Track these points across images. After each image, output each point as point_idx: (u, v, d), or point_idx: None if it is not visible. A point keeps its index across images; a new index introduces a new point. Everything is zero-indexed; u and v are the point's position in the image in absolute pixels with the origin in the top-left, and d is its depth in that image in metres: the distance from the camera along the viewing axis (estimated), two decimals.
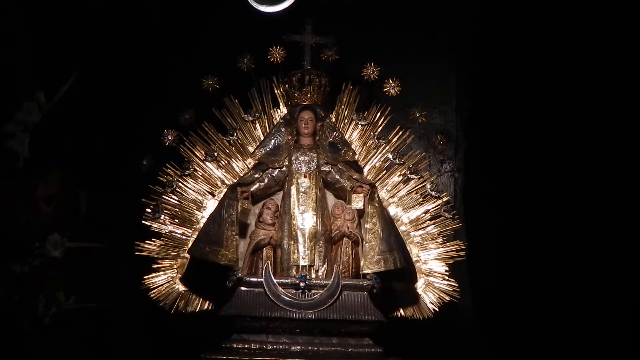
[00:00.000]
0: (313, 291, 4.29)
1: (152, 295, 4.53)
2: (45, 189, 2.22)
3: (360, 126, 4.75)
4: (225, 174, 4.68)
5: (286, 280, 4.31)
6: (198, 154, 4.66)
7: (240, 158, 4.70)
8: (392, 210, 4.65)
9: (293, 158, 4.55)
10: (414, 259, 4.58)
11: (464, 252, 4.63)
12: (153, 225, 4.58)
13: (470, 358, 4.95)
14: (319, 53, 4.68)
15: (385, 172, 4.72)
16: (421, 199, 4.68)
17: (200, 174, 4.66)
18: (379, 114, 4.72)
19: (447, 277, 4.62)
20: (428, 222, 4.68)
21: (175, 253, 4.59)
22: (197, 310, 4.57)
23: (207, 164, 4.66)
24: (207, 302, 4.57)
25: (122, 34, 4.76)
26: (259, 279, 4.30)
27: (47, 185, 2.24)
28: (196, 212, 4.64)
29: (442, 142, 4.73)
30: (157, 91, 4.79)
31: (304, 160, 4.56)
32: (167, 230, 4.60)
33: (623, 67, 4.91)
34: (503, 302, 4.94)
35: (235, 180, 4.60)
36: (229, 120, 4.70)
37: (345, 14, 5.22)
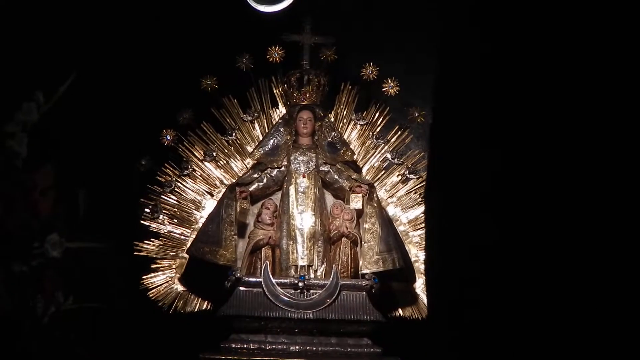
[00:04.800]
0: (312, 291, 4.29)
1: (150, 295, 4.53)
2: (41, 182, 2.22)
3: (359, 126, 4.75)
4: (224, 174, 4.68)
5: (285, 280, 4.31)
6: (197, 154, 4.66)
7: (239, 158, 4.70)
8: (391, 210, 4.65)
9: (292, 158, 4.55)
10: (413, 259, 4.58)
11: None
12: (152, 225, 4.58)
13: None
14: (317, 53, 4.68)
15: (384, 171, 4.72)
16: (420, 199, 4.68)
17: (199, 174, 4.66)
18: (377, 114, 4.73)
19: None
20: None
21: (174, 253, 4.60)
22: (196, 310, 4.57)
23: (206, 163, 4.67)
24: (206, 302, 4.57)
25: (121, 33, 4.75)
26: (258, 279, 4.30)
27: (42, 178, 2.24)
28: (195, 212, 4.64)
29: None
30: (156, 91, 4.79)
31: (302, 160, 4.56)
32: (165, 230, 4.60)
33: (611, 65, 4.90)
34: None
35: (234, 180, 4.60)
36: (227, 120, 4.70)
37: (344, 13, 5.21)
